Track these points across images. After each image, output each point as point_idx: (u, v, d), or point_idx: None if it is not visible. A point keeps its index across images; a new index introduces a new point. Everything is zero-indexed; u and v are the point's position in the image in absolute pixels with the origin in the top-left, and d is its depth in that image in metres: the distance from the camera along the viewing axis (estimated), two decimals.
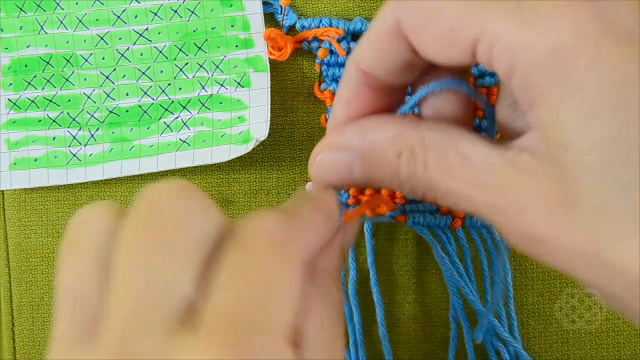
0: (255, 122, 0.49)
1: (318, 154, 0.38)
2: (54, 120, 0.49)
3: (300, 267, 0.31)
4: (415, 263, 0.52)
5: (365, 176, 0.37)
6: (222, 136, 0.49)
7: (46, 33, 0.49)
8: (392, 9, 0.35)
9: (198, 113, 0.49)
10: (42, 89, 0.49)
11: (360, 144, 0.37)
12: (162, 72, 0.49)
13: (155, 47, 0.49)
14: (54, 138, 0.49)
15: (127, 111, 0.49)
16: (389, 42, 0.35)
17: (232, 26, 0.49)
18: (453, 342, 0.50)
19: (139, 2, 0.49)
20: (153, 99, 0.49)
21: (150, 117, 0.49)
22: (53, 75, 0.49)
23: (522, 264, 0.51)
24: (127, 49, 0.49)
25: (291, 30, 0.50)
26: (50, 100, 0.49)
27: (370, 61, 0.36)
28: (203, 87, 0.49)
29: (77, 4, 0.49)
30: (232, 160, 0.50)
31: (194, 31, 0.49)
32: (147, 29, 0.49)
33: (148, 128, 0.49)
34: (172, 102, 0.49)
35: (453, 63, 0.33)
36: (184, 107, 0.49)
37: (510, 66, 0.31)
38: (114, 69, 0.49)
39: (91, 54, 0.49)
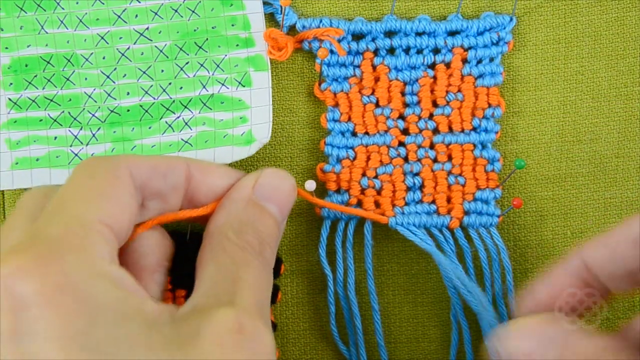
0: (258, 123, 0.49)
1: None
2: (55, 120, 0.49)
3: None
4: (415, 263, 0.52)
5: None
6: (224, 137, 0.49)
7: (46, 32, 0.49)
8: None
9: (199, 113, 0.49)
10: (43, 88, 0.49)
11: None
12: (162, 71, 0.49)
13: (155, 46, 0.49)
14: (55, 138, 0.49)
15: (128, 110, 0.49)
16: (630, 249, 0.36)
17: (232, 25, 0.49)
18: (454, 341, 0.50)
19: (139, 2, 0.49)
20: (154, 99, 0.49)
21: (152, 116, 0.49)
22: (54, 74, 0.49)
23: (522, 263, 0.51)
24: (128, 48, 0.49)
25: (291, 30, 0.50)
26: (51, 100, 0.49)
27: (601, 261, 0.37)
28: (204, 87, 0.49)
29: (77, 3, 0.49)
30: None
31: (195, 30, 0.49)
32: (147, 28, 0.49)
33: (149, 127, 0.49)
34: (173, 101, 0.49)
35: None
36: (185, 107, 0.49)
37: None
38: (115, 69, 0.49)
39: (92, 54, 0.49)
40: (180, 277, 0.50)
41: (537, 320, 0.37)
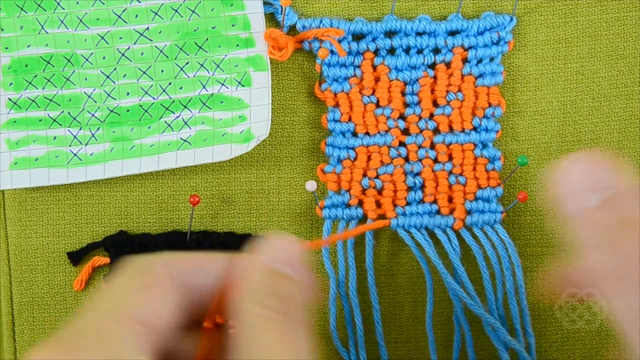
0: (256, 121, 0.49)
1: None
2: (54, 120, 0.49)
3: None
4: (416, 263, 0.52)
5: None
6: (223, 135, 0.49)
7: (47, 32, 0.49)
8: None
9: (199, 112, 0.49)
10: (43, 88, 0.49)
11: None
12: (162, 71, 0.49)
13: (155, 46, 0.49)
14: (55, 137, 0.49)
15: (127, 110, 0.49)
16: None
17: (232, 25, 0.49)
18: (457, 343, 0.50)
19: (139, 2, 0.49)
20: (154, 98, 0.49)
21: (151, 116, 0.49)
22: (54, 74, 0.49)
23: (523, 263, 0.51)
24: (128, 48, 0.49)
25: (292, 30, 0.50)
26: (51, 100, 0.49)
27: None
28: (204, 87, 0.49)
29: (77, 3, 0.49)
30: (232, 159, 0.50)
31: (195, 30, 0.49)
32: (147, 28, 0.49)
33: (149, 127, 0.49)
34: (173, 101, 0.49)
35: None
36: (185, 107, 0.49)
37: None
38: (115, 69, 0.49)
39: (92, 54, 0.49)
40: None
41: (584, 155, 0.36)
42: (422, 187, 0.50)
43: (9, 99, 0.49)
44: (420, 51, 0.50)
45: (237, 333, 0.38)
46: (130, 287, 0.37)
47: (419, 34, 0.50)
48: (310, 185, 0.49)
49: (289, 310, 0.38)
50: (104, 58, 0.49)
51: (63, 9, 0.49)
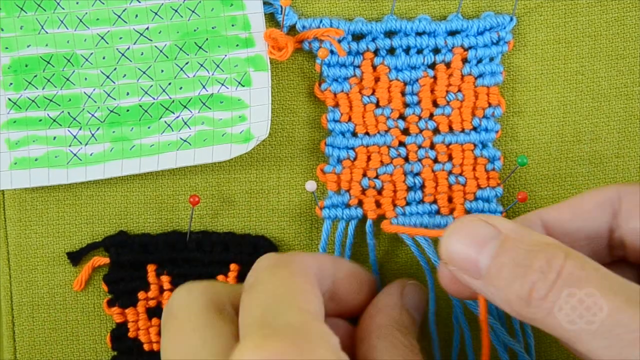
0: (256, 121, 0.49)
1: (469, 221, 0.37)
2: (54, 120, 0.49)
3: None
4: (415, 263, 0.52)
5: (493, 263, 0.35)
6: (222, 135, 0.49)
7: (46, 32, 0.49)
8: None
9: (199, 112, 0.49)
10: (43, 88, 0.49)
11: (511, 229, 0.35)
12: (162, 71, 0.49)
13: (155, 46, 0.49)
14: (55, 137, 0.49)
15: (127, 110, 0.49)
16: (593, 210, 0.36)
17: (232, 25, 0.49)
18: (456, 343, 0.50)
19: (139, 2, 0.49)
20: (154, 99, 0.49)
21: (151, 116, 0.49)
22: (53, 74, 0.49)
23: None
24: (128, 48, 0.49)
25: (292, 30, 0.50)
26: (51, 100, 0.49)
27: (562, 221, 0.37)
28: (204, 87, 0.49)
29: (77, 3, 0.49)
30: (232, 159, 0.50)
31: (195, 30, 0.49)
32: (147, 28, 0.49)
33: (149, 127, 0.49)
34: (173, 101, 0.49)
35: None
36: (185, 107, 0.49)
37: None
38: (115, 69, 0.49)
39: (92, 54, 0.49)
40: (181, 277, 0.51)
41: (471, 220, 0.36)
42: (422, 187, 0.50)
43: (9, 99, 0.49)
44: (420, 51, 0.50)
45: (380, 346, 0.38)
46: (301, 287, 0.36)
47: (419, 34, 0.50)
48: (310, 186, 0.49)
49: (417, 350, 0.39)
50: (104, 58, 0.49)
51: (63, 9, 0.49)
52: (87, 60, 0.49)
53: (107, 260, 0.50)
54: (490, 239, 0.35)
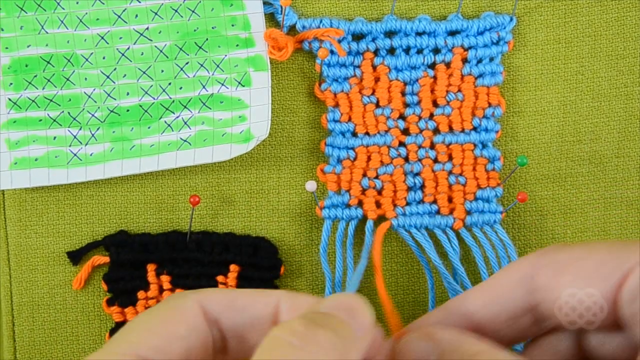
0: (256, 121, 0.49)
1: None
2: (54, 120, 0.49)
3: None
4: (415, 263, 0.52)
5: None
6: (222, 135, 0.49)
7: (47, 33, 0.49)
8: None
9: (199, 112, 0.49)
10: (43, 88, 0.49)
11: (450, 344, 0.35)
12: (162, 71, 0.49)
13: (155, 46, 0.49)
14: (55, 137, 0.49)
15: (127, 110, 0.49)
16: (510, 291, 0.36)
17: (232, 25, 0.49)
18: None
19: (139, 2, 0.49)
20: (154, 99, 0.49)
21: (151, 116, 0.49)
22: (53, 74, 0.49)
23: None
24: (128, 48, 0.49)
25: (292, 30, 0.50)
26: (51, 100, 0.49)
27: (482, 307, 0.36)
28: (204, 87, 0.49)
29: (77, 3, 0.49)
30: (232, 159, 0.50)
31: (195, 30, 0.49)
32: (147, 28, 0.49)
33: (149, 127, 0.49)
34: (173, 101, 0.49)
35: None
36: (185, 107, 0.49)
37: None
38: (115, 69, 0.49)
39: (92, 54, 0.49)
40: (180, 277, 0.51)
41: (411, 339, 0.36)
42: (422, 187, 0.50)
43: (9, 99, 0.49)
44: (420, 51, 0.50)
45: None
46: (148, 323, 0.35)
47: (419, 34, 0.50)
48: (310, 186, 0.49)
49: (320, 341, 0.36)
50: (104, 58, 0.49)
51: (63, 9, 0.49)
52: (87, 60, 0.49)
53: (107, 259, 0.50)
54: (430, 354, 0.35)
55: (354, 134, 0.50)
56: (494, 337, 0.36)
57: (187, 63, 0.49)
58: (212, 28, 0.49)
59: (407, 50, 0.50)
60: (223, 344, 0.37)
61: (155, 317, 0.36)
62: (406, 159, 0.50)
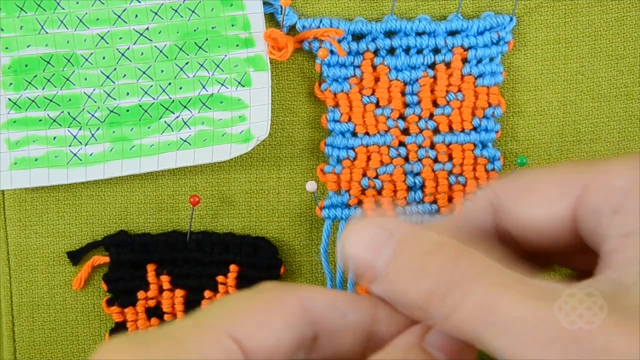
0: (256, 121, 0.49)
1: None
2: (54, 120, 0.49)
3: None
4: None
5: (389, 268, 0.34)
6: (222, 135, 0.49)
7: (46, 33, 0.49)
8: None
9: (199, 112, 0.49)
10: (43, 88, 0.49)
11: (405, 232, 0.34)
12: (162, 71, 0.49)
13: (155, 46, 0.49)
14: (55, 138, 0.49)
15: (127, 111, 0.49)
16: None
17: (232, 25, 0.49)
18: None
19: (139, 2, 0.49)
20: (154, 99, 0.49)
21: (151, 116, 0.49)
22: (53, 74, 0.49)
23: None
24: (128, 48, 0.49)
25: (291, 30, 0.50)
26: (51, 100, 0.49)
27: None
28: (204, 87, 0.49)
29: (77, 3, 0.49)
30: (232, 160, 0.50)
31: (195, 30, 0.49)
32: (147, 28, 0.49)
33: (149, 127, 0.49)
34: (173, 101, 0.49)
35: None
36: (185, 107, 0.49)
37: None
38: (115, 69, 0.49)
39: (91, 54, 0.49)
40: (180, 277, 0.51)
41: (365, 224, 0.35)
42: (422, 187, 0.50)
43: (9, 99, 0.49)
44: (420, 51, 0.50)
45: None
46: (244, 305, 0.34)
47: (419, 34, 0.50)
48: (311, 186, 0.49)
49: None
50: (103, 58, 0.49)
51: (63, 9, 0.49)
52: (87, 60, 0.49)
53: (106, 259, 0.50)
54: (384, 242, 0.35)
55: (354, 134, 0.50)
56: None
57: (187, 63, 0.49)
58: (212, 28, 0.49)
59: (407, 50, 0.50)
60: (313, 344, 0.36)
61: (253, 303, 0.34)
62: (406, 159, 0.50)
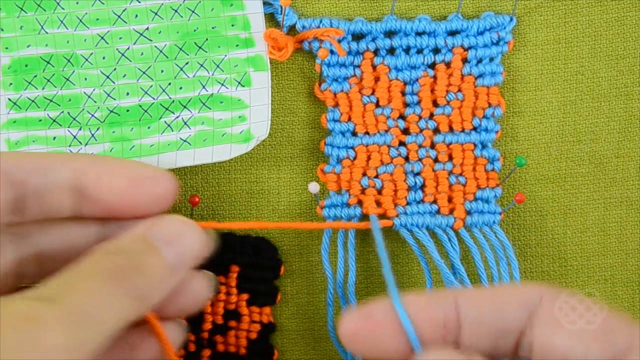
0: (256, 121, 0.49)
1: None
2: (54, 120, 0.49)
3: None
4: (415, 263, 0.52)
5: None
6: (222, 135, 0.49)
7: (46, 33, 0.49)
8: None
9: (199, 112, 0.49)
10: (43, 88, 0.49)
11: None
12: (162, 71, 0.49)
13: (155, 46, 0.49)
14: (55, 138, 0.49)
15: (127, 111, 0.49)
16: (515, 311, 0.36)
17: (232, 25, 0.49)
18: None
19: (139, 2, 0.49)
20: (153, 99, 0.49)
21: (151, 116, 0.49)
22: (53, 75, 0.49)
23: (522, 263, 0.51)
24: (128, 48, 0.49)
25: (291, 30, 0.50)
26: (51, 100, 0.49)
27: (478, 311, 0.36)
28: (204, 87, 0.49)
29: (77, 3, 0.49)
30: (232, 160, 0.50)
31: (195, 30, 0.49)
32: (147, 28, 0.49)
33: (148, 127, 0.49)
34: (173, 101, 0.49)
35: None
36: (185, 107, 0.49)
37: None
38: (115, 69, 0.49)
39: (91, 54, 0.49)
40: None
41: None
42: (423, 186, 0.50)
43: (9, 99, 0.49)
44: (420, 51, 0.50)
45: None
46: None
47: (419, 33, 0.50)
48: (313, 187, 0.49)
49: (131, 279, 0.37)
50: (103, 58, 0.49)
51: (63, 9, 0.49)
52: (87, 60, 0.49)
53: None
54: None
55: (354, 134, 0.50)
56: (466, 340, 0.36)
57: (187, 63, 0.49)
58: (212, 28, 0.49)
59: (407, 50, 0.50)
60: (23, 206, 0.38)
61: None
62: (406, 159, 0.50)
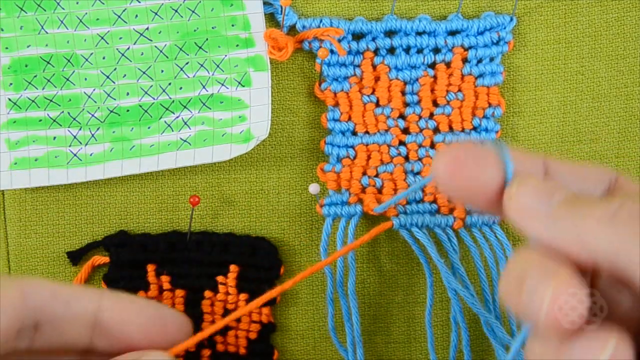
0: (256, 121, 0.49)
1: None
2: (54, 120, 0.49)
3: None
4: (415, 263, 0.52)
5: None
6: (222, 135, 0.49)
7: (46, 33, 0.49)
8: None
9: (199, 112, 0.49)
10: (43, 88, 0.49)
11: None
12: (162, 71, 0.49)
13: (155, 46, 0.49)
14: (55, 138, 0.49)
15: (127, 111, 0.49)
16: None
17: (232, 25, 0.49)
18: (454, 342, 0.50)
19: (139, 2, 0.49)
20: (154, 99, 0.49)
21: (151, 116, 0.49)
22: (53, 74, 0.49)
23: None
24: (128, 48, 0.49)
25: (292, 30, 0.50)
26: (51, 100, 0.49)
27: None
28: (204, 87, 0.49)
29: (77, 3, 0.49)
30: (232, 160, 0.50)
31: (195, 30, 0.49)
32: (147, 28, 0.49)
33: (149, 127, 0.49)
34: (173, 101, 0.49)
35: None
36: (185, 107, 0.49)
37: None
38: (115, 69, 0.49)
39: (91, 54, 0.49)
40: (180, 277, 0.51)
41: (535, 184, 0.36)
42: (422, 186, 0.50)
43: (9, 99, 0.49)
44: (420, 51, 0.50)
45: None
46: None
47: (419, 33, 0.50)
48: (314, 188, 0.49)
49: None
50: (103, 58, 0.49)
51: (63, 9, 0.49)
52: (87, 60, 0.49)
53: (106, 259, 0.50)
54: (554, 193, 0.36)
55: (354, 133, 0.50)
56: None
57: (187, 63, 0.49)
58: (212, 28, 0.49)
59: (407, 50, 0.50)
60: (36, 332, 0.38)
61: None
62: (406, 158, 0.50)
